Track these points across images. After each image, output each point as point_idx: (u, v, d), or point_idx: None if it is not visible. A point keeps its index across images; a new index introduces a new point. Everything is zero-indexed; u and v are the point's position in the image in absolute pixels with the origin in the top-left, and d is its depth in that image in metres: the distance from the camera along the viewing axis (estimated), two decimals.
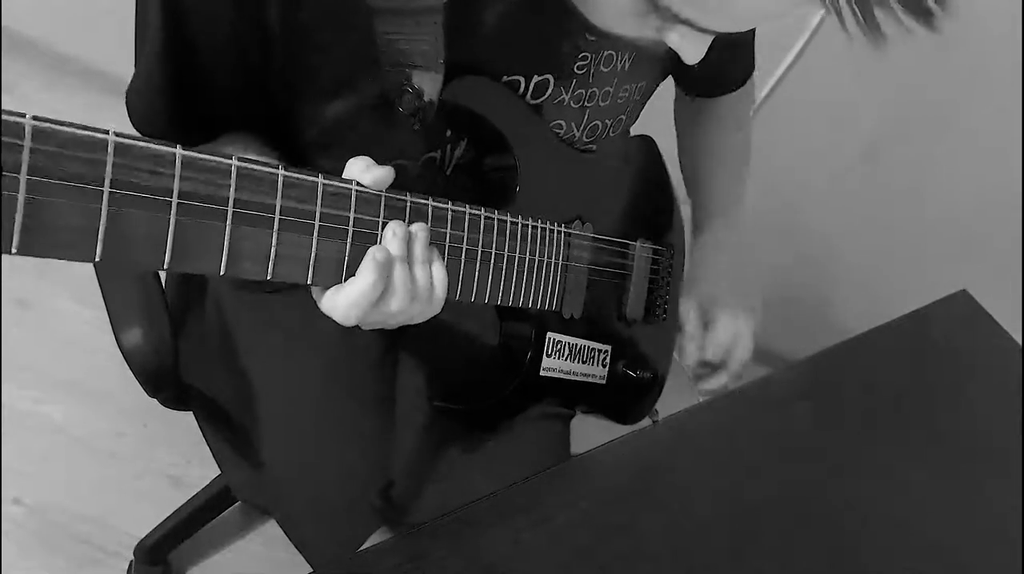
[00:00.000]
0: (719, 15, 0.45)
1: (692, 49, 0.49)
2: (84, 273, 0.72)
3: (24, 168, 0.33)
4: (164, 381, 0.77)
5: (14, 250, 0.34)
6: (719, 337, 0.88)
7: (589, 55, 0.65)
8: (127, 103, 0.58)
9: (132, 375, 0.79)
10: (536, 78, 0.63)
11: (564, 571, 0.64)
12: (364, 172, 0.47)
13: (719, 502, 0.73)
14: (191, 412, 0.86)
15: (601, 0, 0.50)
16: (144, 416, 1.32)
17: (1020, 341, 1.02)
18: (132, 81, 0.57)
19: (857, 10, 0.38)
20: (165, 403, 0.85)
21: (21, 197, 0.33)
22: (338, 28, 0.53)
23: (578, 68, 0.65)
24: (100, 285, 0.76)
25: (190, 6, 0.50)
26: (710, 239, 0.91)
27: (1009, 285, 1.44)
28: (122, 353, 0.76)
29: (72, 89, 1.67)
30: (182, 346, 0.79)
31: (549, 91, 0.65)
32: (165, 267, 0.39)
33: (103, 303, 0.80)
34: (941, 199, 1.45)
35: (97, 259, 0.37)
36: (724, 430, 0.80)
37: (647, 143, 0.87)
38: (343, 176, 0.48)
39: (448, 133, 0.63)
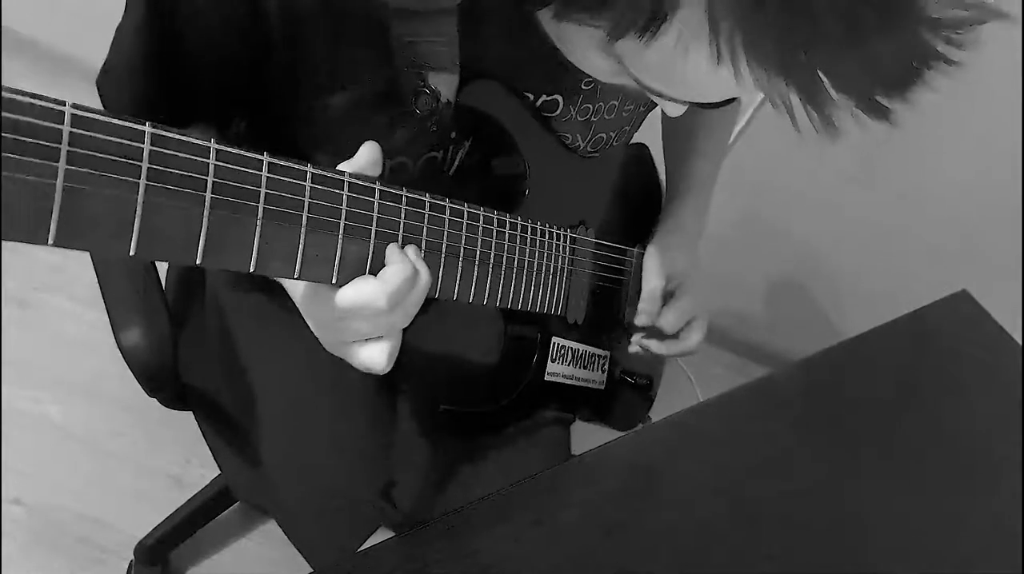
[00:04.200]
0: (682, 92, 0.46)
1: (671, 107, 0.50)
2: (84, 273, 0.72)
3: (63, 157, 0.32)
4: (163, 380, 0.77)
5: (50, 242, 0.33)
6: (681, 311, 0.82)
7: None
8: (99, 85, 0.56)
9: (132, 375, 0.79)
10: (545, 97, 0.64)
11: (564, 571, 0.64)
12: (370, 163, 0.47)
13: (719, 502, 0.73)
14: (191, 412, 0.86)
15: (586, 60, 0.50)
16: (144, 416, 1.32)
17: (1020, 341, 1.02)
18: (105, 63, 0.55)
19: (811, 109, 0.38)
20: (165, 403, 0.85)
21: (59, 187, 0.32)
22: (350, 22, 0.52)
23: (585, 84, 0.65)
24: (100, 285, 0.76)
25: None
26: (681, 212, 0.87)
27: (1009, 285, 1.44)
28: (121, 353, 0.76)
29: (72, 89, 1.66)
30: (182, 345, 0.79)
31: (559, 110, 0.66)
32: (197, 262, 0.38)
33: (103, 303, 0.80)
34: (941, 200, 1.45)
35: (132, 253, 0.35)
36: (724, 430, 0.80)
37: (642, 151, 0.88)
38: (355, 158, 0.47)
39: (453, 134, 0.63)
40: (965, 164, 1.37)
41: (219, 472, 1.00)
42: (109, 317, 0.79)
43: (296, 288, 0.52)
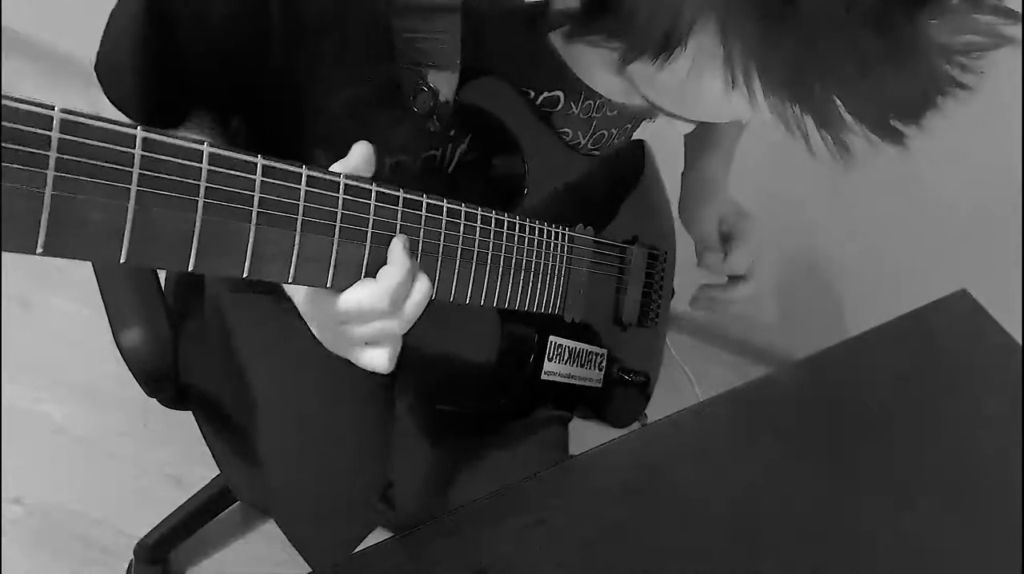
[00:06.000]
0: (693, 113, 0.47)
1: (682, 125, 0.51)
2: (84, 273, 0.71)
3: (52, 163, 0.31)
4: (162, 381, 0.77)
5: (39, 251, 0.32)
6: (748, 250, 0.82)
7: None
8: (97, 70, 0.55)
9: (132, 375, 0.79)
10: (546, 94, 0.64)
11: (564, 571, 0.64)
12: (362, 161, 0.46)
13: (718, 502, 0.73)
14: (191, 412, 0.86)
15: (597, 79, 0.50)
16: (144, 416, 1.32)
17: (1020, 341, 1.02)
18: (100, 47, 0.55)
19: (825, 134, 0.38)
20: (164, 403, 0.85)
21: (48, 194, 0.31)
22: (353, 19, 0.52)
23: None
24: (99, 285, 0.76)
25: None
26: (705, 166, 0.88)
27: (1009, 285, 1.44)
28: (121, 353, 0.76)
29: (72, 89, 1.67)
30: (181, 346, 0.79)
31: (560, 106, 0.65)
32: (190, 268, 0.38)
33: (103, 303, 0.80)
34: (941, 199, 1.45)
35: (123, 260, 0.35)
36: (724, 430, 0.80)
37: (641, 147, 0.88)
38: (348, 158, 0.46)
39: (452, 132, 0.63)
40: (966, 164, 1.37)
41: (219, 472, 1.00)
42: (109, 317, 0.79)
43: (297, 292, 0.52)
